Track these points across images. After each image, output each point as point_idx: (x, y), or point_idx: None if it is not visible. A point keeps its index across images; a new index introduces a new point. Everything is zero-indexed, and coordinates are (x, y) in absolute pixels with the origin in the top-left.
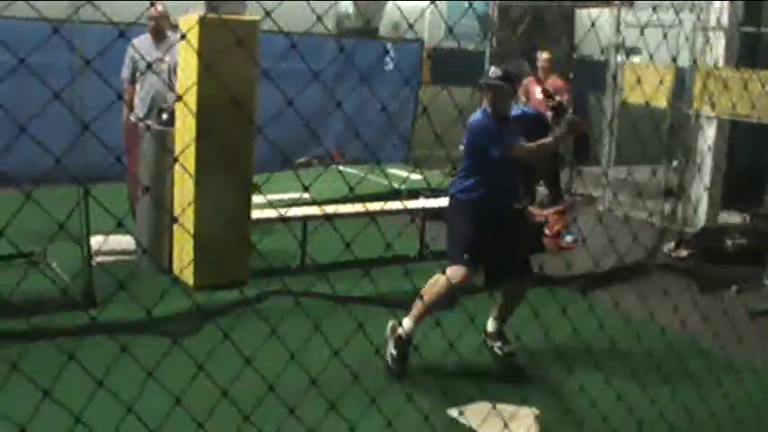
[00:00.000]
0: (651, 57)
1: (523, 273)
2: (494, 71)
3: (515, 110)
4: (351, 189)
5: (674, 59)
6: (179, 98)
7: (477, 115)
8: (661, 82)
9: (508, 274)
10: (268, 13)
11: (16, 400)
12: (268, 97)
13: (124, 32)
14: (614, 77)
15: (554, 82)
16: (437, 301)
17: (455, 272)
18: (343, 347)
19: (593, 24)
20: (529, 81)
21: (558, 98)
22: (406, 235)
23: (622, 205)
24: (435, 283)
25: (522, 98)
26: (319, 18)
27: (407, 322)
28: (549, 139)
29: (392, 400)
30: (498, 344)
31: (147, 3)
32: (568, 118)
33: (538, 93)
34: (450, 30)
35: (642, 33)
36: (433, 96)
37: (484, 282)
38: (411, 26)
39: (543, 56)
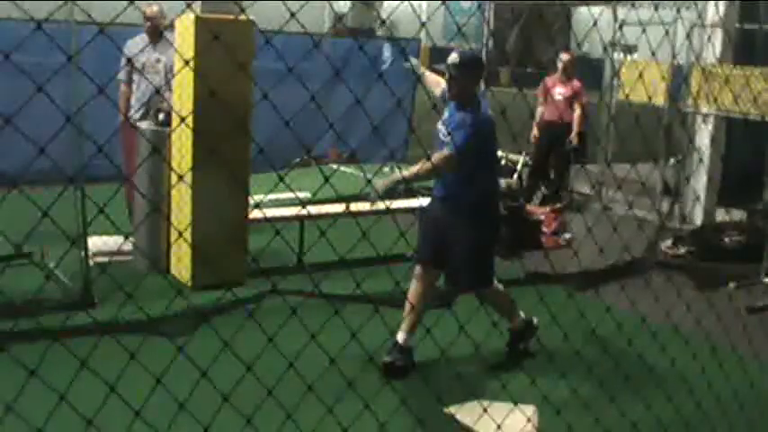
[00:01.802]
0: (654, 54)
1: (460, 285)
2: (451, 57)
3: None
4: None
5: (675, 57)
6: (159, 93)
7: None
8: (664, 79)
9: (448, 276)
10: (293, 14)
11: (12, 400)
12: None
13: (103, 29)
14: (613, 76)
15: (576, 84)
16: (408, 304)
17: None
18: (340, 348)
19: (595, 23)
20: (547, 81)
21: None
22: (403, 233)
23: (620, 203)
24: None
25: (540, 98)
26: (293, 15)
27: (401, 333)
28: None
29: (388, 399)
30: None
31: (144, 4)
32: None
33: (557, 94)
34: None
35: (644, 32)
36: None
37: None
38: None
39: (565, 57)
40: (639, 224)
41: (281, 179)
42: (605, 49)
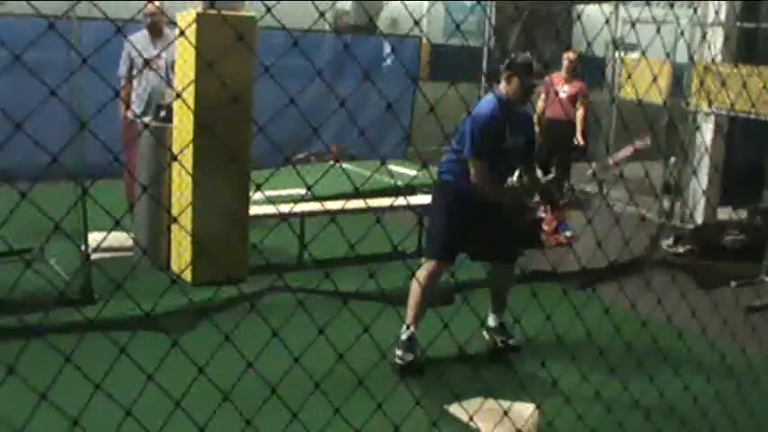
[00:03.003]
0: (644, 53)
1: (506, 256)
2: (537, 65)
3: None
4: (356, 189)
5: (669, 55)
6: (178, 96)
7: (486, 104)
8: (655, 79)
9: (491, 256)
10: (322, 14)
11: (12, 399)
12: (266, 93)
13: (121, 29)
14: (615, 74)
15: (580, 83)
16: (419, 300)
17: (425, 267)
18: (343, 344)
19: (607, 21)
20: (551, 80)
21: (551, 176)
22: (404, 231)
23: (621, 201)
24: (413, 283)
25: (542, 95)
26: (322, 14)
27: (404, 327)
28: (510, 186)
29: (390, 396)
30: (502, 337)
31: None
32: (543, 184)
33: (561, 92)
34: (457, 27)
35: (658, 31)
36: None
37: (469, 256)
38: (417, 23)
39: (568, 56)
40: (641, 222)
41: (306, 182)
42: (607, 47)
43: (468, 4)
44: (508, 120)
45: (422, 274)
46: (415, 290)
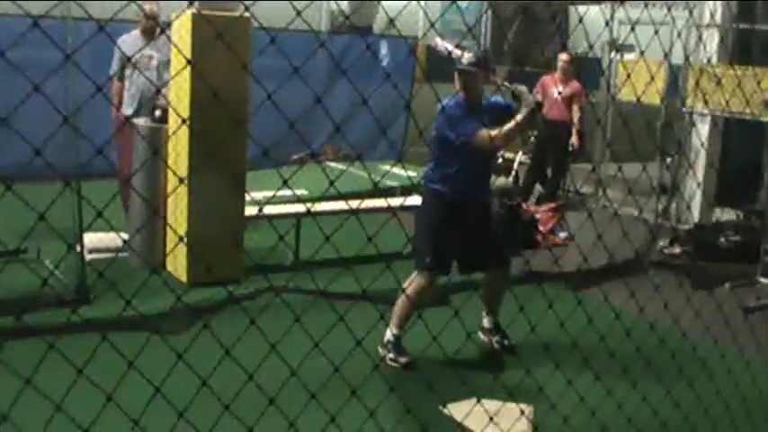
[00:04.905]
0: (643, 53)
1: (499, 261)
2: (467, 57)
3: (490, 98)
4: (331, 182)
5: (670, 56)
6: (158, 90)
7: (449, 101)
8: (652, 79)
9: (484, 266)
10: (299, 13)
11: (7, 398)
12: (262, 94)
13: (103, 27)
14: (610, 75)
15: (575, 84)
16: (406, 312)
17: (415, 280)
18: (330, 344)
19: (581, 20)
20: (545, 80)
21: (516, 86)
22: (397, 232)
23: (616, 202)
24: (401, 296)
25: (538, 96)
26: (299, 13)
27: (390, 329)
28: (510, 125)
29: (379, 396)
30: (497, 338)
31: (139, 1)
32: (528, 100)
33: (556, 93)
34: (431, 25)
35: (657, 33)
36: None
37: (459, 270)
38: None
39: (563, 57)
40: (636, 223)
41: (285, 181)
42: (590, 47)
43: (463, 4)
44: (474, 112)
45: (411, 287)
46: (402, 302)
